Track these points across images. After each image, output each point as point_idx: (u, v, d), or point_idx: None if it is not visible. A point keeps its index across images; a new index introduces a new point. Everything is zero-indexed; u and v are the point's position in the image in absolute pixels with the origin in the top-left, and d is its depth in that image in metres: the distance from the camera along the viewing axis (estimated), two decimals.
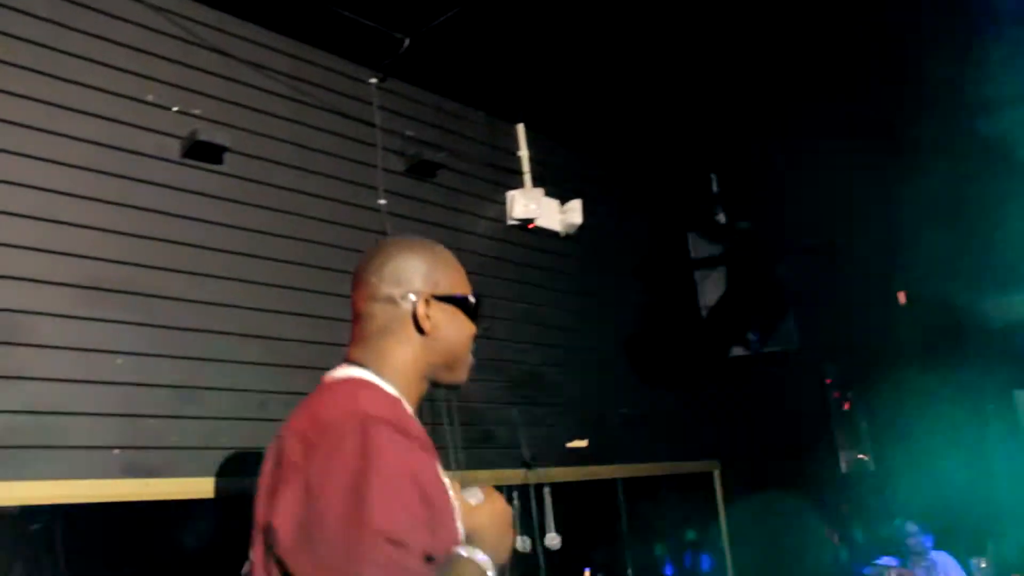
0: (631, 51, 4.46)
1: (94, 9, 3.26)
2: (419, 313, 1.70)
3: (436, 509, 1.49)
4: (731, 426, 5.95)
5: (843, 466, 6.32)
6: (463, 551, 1.51)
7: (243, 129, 3.60)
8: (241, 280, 3.47)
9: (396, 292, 1.71)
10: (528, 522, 4.21)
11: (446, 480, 1.62)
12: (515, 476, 4.22)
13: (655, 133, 5.34)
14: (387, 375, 1.68)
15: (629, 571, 5.08)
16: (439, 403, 3.86)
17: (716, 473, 5.83)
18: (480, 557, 1.51)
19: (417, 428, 1.63)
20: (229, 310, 3.39)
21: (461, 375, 1.80)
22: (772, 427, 6.00)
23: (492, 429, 4.23)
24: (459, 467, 3.79)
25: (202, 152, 3.39)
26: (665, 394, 5.47)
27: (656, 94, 4.90)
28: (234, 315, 3.40)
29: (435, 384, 1.79)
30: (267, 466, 1.60)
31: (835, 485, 6.25)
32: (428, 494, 1.47)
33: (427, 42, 4.00)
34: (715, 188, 5.44)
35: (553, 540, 4.26)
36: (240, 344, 3.40)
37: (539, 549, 4.20)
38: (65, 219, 3.03)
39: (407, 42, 3.98)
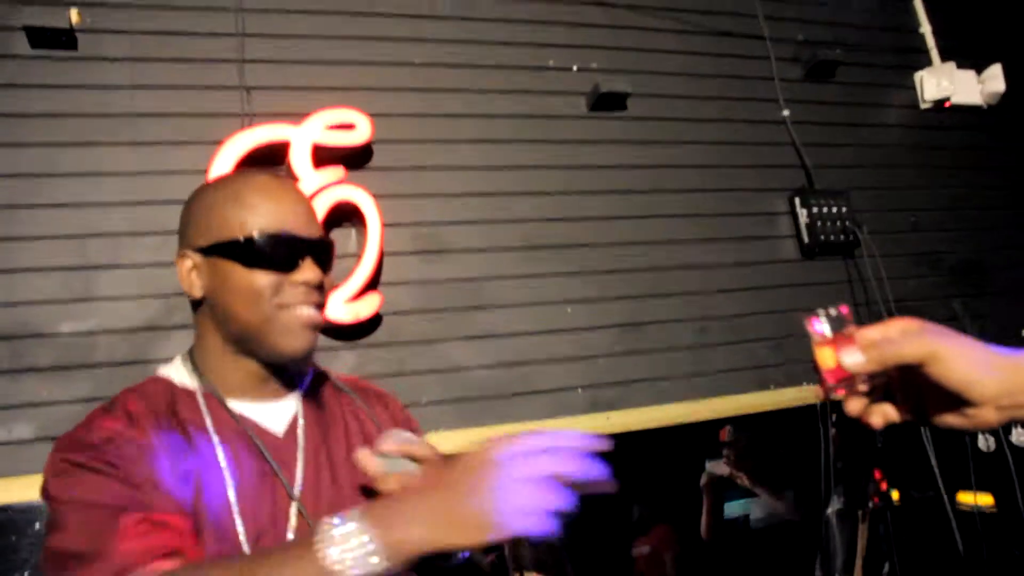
0: None
1: None
2: (179, 276, 1.48)
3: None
4: None
5: None
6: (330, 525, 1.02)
7: (639, 71, 3.65)
8: (656, 216, 3.54)
9: (178, 257, 1.49)
10: None
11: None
12: None
13: None
14: (194, 359, 1.49)
15: None
16: (876, 306, 3.71)
17: None
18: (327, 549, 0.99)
19: (119, 427, 1.33)
20: (652, 246, 3.50)
21: (278, 341, 1.39)
22: None
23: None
24: None
25: (606, 102, 3.52)
26: None
27: None
28: (659, 251, 3.50)
29: (268, 358, 1.44)
30: None
31: None
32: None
33: None
34: None
35: (1022, 436, 3.94)
36: (670, 277, 3.50)
37: (1006, 447, 3.91)
38: (496, 190, 3.32)
39: None
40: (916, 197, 4.11)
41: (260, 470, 1.38)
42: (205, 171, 2.78)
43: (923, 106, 4.26)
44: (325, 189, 2.90)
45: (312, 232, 1.43)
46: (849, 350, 1.08)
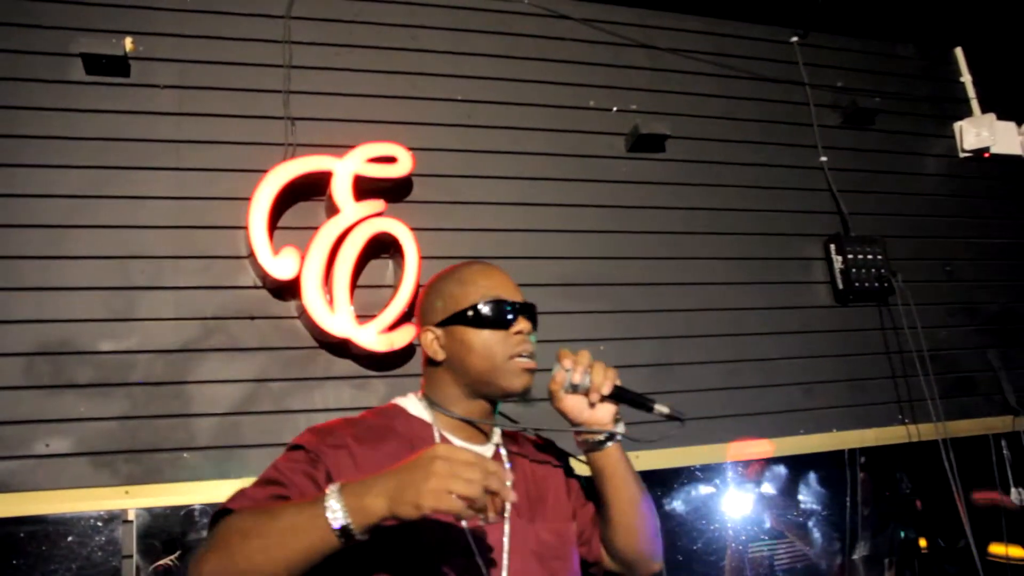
0: None
1: (534, 36, 3.49)
2: (424, 345, 1.81)
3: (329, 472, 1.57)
4: None
5: None
6: (328, 488, 1.35)
7: (678, 114, 3.61)
8: (691, 258, 3.48)
9: (420, 333, 1.85)
10: (1021, 473, 3.81)
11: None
12: (1002, 424, 3.82)
13: None
14: (433, 402, 1.81)
15: None
16: (910, 354, 3.61)
17: None
18: (329, 501, 1.30)
19: (356, 431, 1.69)
20: (685, 288, 3.43)
21: (508, 383, 1.73)
22: None
23: (971, 376, 3.86)
24: (938, 418, 3.51)
25: (645, 144, 3.47)
26: None
27: None
28: (692, 292, 3.44)
29: (501, 397, 1.79)
30: None
31: None
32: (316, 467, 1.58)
33: None
34: None
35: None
36: (703, 318, 3.42)
37: None
38: (533, 227, 3.28)
39: None
40: (952, 246, 4.00)
41: None
42: (248, 198, 2.76)
43: (962, 155, 4.17)
44: (365, 220, 2.87)
45: (518, 297, 1.79)
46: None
